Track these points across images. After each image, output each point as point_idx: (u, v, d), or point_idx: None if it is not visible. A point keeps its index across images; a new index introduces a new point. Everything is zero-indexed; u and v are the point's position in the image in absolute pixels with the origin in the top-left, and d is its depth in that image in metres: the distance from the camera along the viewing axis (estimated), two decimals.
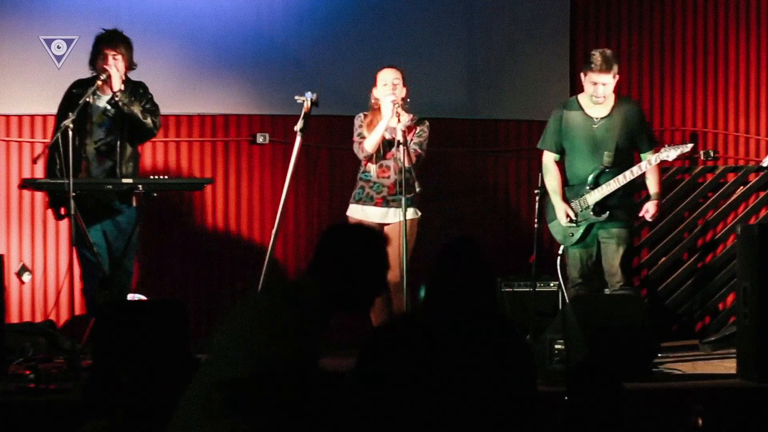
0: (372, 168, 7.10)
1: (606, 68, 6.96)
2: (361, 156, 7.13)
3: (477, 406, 3.66)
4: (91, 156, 7.03)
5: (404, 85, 7.09)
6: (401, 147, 6.85)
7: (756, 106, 8.76)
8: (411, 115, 7.14)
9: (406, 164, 6.84)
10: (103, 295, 6.80)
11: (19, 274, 7.83)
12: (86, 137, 7.01)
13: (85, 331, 6.84)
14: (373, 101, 7.15)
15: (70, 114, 6.66)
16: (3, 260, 6.69)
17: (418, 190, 6.83)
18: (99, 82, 6.92)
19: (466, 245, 3.93)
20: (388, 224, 7.06)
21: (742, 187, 8.47)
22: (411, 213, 7.07)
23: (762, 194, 8.45)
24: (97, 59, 7.01)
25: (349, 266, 3.95)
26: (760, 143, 8.75)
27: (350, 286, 3.95)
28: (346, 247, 4.00)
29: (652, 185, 7.14)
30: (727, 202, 8.46)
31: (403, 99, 7.05)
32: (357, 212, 7.14)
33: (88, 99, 6.83)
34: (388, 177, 7.07)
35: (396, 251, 6.96)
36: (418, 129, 7.15)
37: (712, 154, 8.68)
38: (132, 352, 5.45)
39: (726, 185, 8.46)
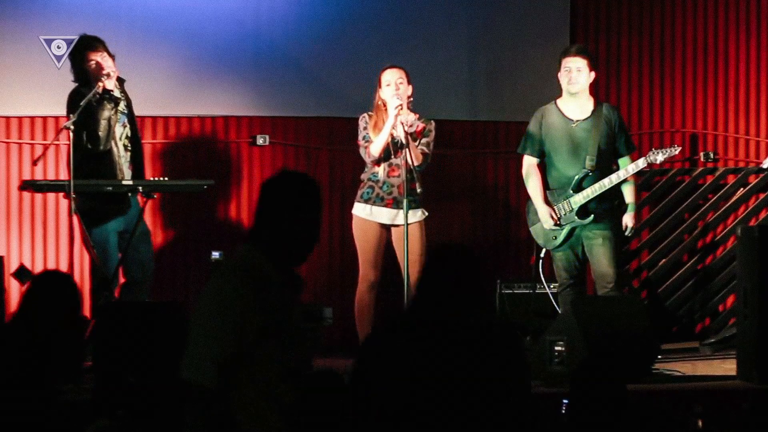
0: (380, 168, 7.06)
1: (580, 53, 7.01)
2: (368, 160, 7.07)
3: (469, 406, 3.67)
4: (121, 153, 7.10)
5: (408, 83, 7.08)
6: (405, 149, 6.85)
7: (756, 107, 8.75)
8: (416, 114, 7.13)
9: (415, 163, 6.83)
10: (103, 296, 6.82)
11: (19, 277, 7.82)
12: (113, 137, 7.07)
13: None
14: (378, 102, 7.10)
15: (71, 116, 6.75)
16: (3, 261, 6.69)
17: (419, 191, 6.82)
18: (101, 84, 6.96)
19: (455, 250, 3.95)
20: (398, 226, 7.00)
21: (742, 189, 8.46)
22: (419, 215, 7.06)
23: (762, 196, 8.45)
24: (86, 65, 7.04)
25: (281, 216, 3.77)
26: (760, 145, 8.74)
27: (282, 236, 3.76)
28: (280, 195, 3.81)
29: (628, 195, 7.15)
30: (727, 204, 8.45)
31: (408, 98, 7.04)
32: (364, 212, 7.09)
33: (94, 102, 6.91)
34: (398, 176, 6.99)
35: (415, 252, 6.97)
36: (425, 128, 7.13)
37: (712, 155, 8.68)
38: (132, 354, 5.45)
39: (726, 187, 8.46)
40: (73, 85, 7.13)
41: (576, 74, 7.01)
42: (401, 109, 6.93)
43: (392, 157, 7.02)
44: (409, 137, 6.90)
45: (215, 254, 7.12)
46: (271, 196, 3.81)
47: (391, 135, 6.96)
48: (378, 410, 3.71)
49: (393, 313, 6.94)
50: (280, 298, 3.74)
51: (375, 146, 6.99)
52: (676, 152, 7.10)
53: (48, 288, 4.65)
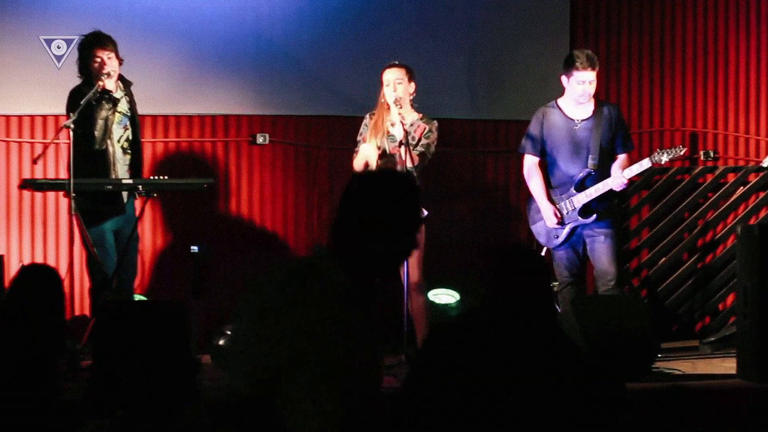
0: (374, 166, 7.06)
1: (591, 66, 7.00)
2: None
3: (529, 410, 3.65)
4: (118, 155, 7.11)
5: (411, 80, 7.07)
6: (403, 147, 6.86)
7: (756, 106, 8.76)
8: (419, 114, 7.13)
9: (408, 165, 6.83)
10: (103, 295, 6.83)
11: None
12: (109, 137, 7.06)
13: (85, 331, 6.85)
14: (381, 100, 7.10)
15: (71, 114, 6.76)
16: (3, 260, 6.70)
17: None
18: (100, 83, 6.96)
19: (524, 252, 3.90)
20: None
21: (742, 188, 8.46)
22: None
23: (762, 194, 8.45)
24: (91, 63, 7.05)
25: (377, 220, 3.21)
26: (760, 143, 8.75)
27: (377, 245, 3.22)
28: (375, 197, 3.24)
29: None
30: (727, 203, 8.45)
31: (410, 95, 7.05)
32: None
33: (93, 101, 6.92)
34: None
35: (415, 252, 6.98)
36: (426, 129, 7.13)
37: (712, 154, 8.68)
38: (132, 353, 5.44)
39: (726, 185, 8.46)
40: (73, 83, 7.14)
41: (589, 87, 7.02)
42: (400, 107, 6.93)
43: (387, 152, 7.02)
44: (408, 137, 6.90)
45: (194, 248, 7.14)
46: (372, 198, 3.26)
47: (388, 132, 6.98)
48: (435, 412, 3.67)
49: (459, 314, 6.89)
50: (362, 328, 3.25)
51: (356, 162, 7.08)
52: (681, 153, 7.10)
53: (31, 280, 4.68)
